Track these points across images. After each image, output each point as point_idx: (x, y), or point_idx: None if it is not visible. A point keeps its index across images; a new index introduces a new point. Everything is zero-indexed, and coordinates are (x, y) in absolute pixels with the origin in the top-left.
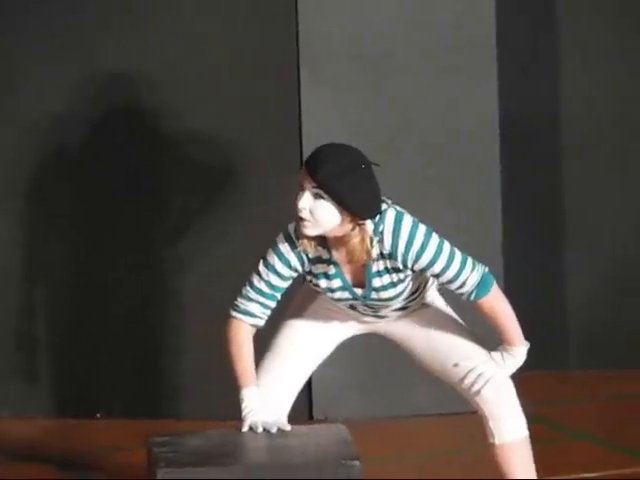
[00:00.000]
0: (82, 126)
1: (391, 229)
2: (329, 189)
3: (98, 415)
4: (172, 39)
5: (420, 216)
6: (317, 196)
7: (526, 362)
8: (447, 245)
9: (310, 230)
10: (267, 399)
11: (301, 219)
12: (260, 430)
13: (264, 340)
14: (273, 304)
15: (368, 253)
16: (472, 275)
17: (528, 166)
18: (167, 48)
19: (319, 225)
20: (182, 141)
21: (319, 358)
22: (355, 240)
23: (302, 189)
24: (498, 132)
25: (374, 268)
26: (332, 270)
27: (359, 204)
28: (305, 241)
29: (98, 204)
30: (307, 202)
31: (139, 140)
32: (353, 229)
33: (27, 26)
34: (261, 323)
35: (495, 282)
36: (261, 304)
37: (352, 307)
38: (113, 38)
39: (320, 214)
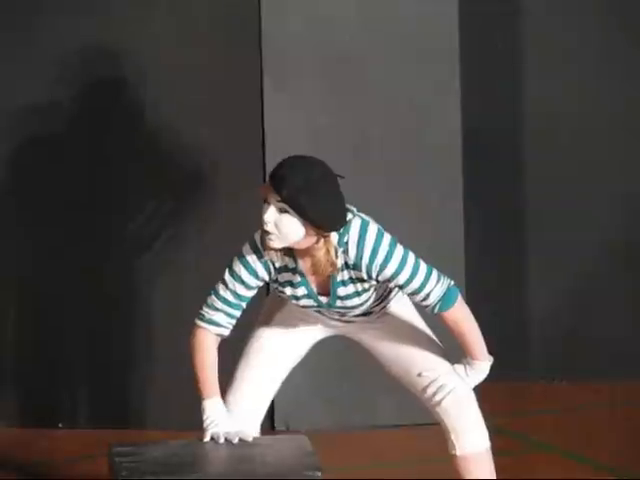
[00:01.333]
0: (44, 136)
1: (356, 240)
2: (293, 204)
3: (60, 425)
4: (133, 40)
5: (382, 226)
6: (282, 210)
7: (488, 374)
8: (412, 256)
9: (275, 243)
10: (239, 409)
11: (266, 232)
12: (222, 441)
13: (233, 348)
14: (238, 313)
15: (333, 265)
16: (437, 288)
17: (491, 178)
18: (126, 50)
19: (283, 238)
20: (141, 146)
21: (291, 364)
22: (320, 252)
23: (267, 202)
24: (461, 144)
25: (338, 278)
26: (298, 279)
27: (323, 218)
28: (271, 251)
29: (59, 209)
30: (272, 216)
31: (101, 145)
32: (317, 241)
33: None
34: (226, 333)
35: (460, 296)
36: (227, 314)
37: (319, 312)
38: (83, 36)
39: (284, 227)
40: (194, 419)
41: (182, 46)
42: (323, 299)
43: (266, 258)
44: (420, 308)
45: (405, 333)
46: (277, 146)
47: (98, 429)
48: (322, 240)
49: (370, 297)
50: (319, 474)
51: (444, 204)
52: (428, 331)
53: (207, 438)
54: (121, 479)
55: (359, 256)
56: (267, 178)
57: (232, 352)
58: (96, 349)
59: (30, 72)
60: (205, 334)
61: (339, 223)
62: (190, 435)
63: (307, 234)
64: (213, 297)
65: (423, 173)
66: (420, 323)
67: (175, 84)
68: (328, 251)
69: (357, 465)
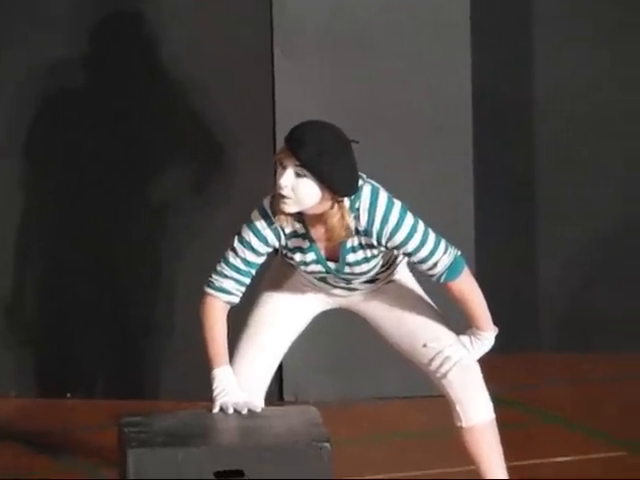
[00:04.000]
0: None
1: (367, 206)
2: (312, 167)
3: (68, 395)
4: (143, 19)
5: (391, 193)
6: (299, 174)
7: (499, 344)
8: (421, 225)
9: (291, 207)
10: (244, 379)
11: (282, 196)
12: (231, 411)
13: (237, 315)
14: (248, 280)
15: (347, 229)
16: (444, 257)
17: (500, 148)
18: (136, 27)
19: (300, 202)
20: (161, 112)
21: (293, 334)
22: (334, 218)
23: (283, 167)
24: (471, 112)
25: (348, 244)
26: (307, 244)
27: (340, 182)
28: (282, 217)
29: (82, 180)
30: (289, 180)
31: (121, 113)
32: (332, 207)
33: None
34: (236, 300)
35: (466, 266)
36: (236, 281)
37: (323, 280)
38: (105, 21)
39: (302, 192)
40: (206, 388)
41: (191, 18)
42: (332, 265)
43: (276, 224)
44: (423, 279)
45: (409, 304)
46: (288, 117)
47: (107, 399)
48: (336, 205)
49: (378, 263)
50: (328, 445)
51: (454, 175)
52: (431, 303)
53: (216, 409)
54: (130, 449)
55: (370, 222)
56: (283, 142)
57: (236, 317)
58: (111, 318)
59: (43, 32)
60: (214, 302)
61: (354, 188)
62: (199, 405)
63: (323, 198)
64: (222, 264)
65: (433, 143)
66: (422, 294)
67: (187, 53)
68: (343, 216)
69: (365, 436)
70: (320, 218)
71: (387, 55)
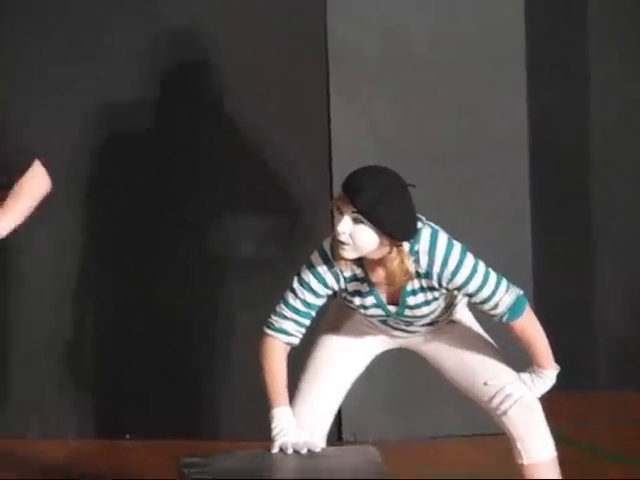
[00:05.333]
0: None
1: (426, 248)
2: (369, 215)
3: (127, 436)
4: (207, 65)
5: (451, 234)
6: (357, 220)
7: (556, 383)
8: (482, 265)
9: (349, 253)
10: (305, 420)
11: (341, 242)
12: (290, 451)
13: (297, 354)
14: (308, 322)
15: (408, 274)
16: (506, 297)
17: (557, 186)
18: (200, 72)
19: (358, 249)
20: (209, 168)
21: (354, 375)
22: (394, 263)
23: (341, 213)
24: (527, 149)
25: (409, 287)
26: (366, 288)
27: (398, 227)
28: (342, 261)
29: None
30: (347, 226)
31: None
32: (391, 251)
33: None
34: (295, 341)
35: (528, 305)
36: (296, 322)
37: (384, 322)
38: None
39: (360, 238)
40: (265, 428)
41: (247, 57)
42: (392, 308)
43: (335, 268)
44: (482, 317)
45: (468, 343)
46: (344, 153)
47: (166, 440)
48: (395, 250)
49: (438, 306)
50: None
51: (511, 212)
52: (490, 340)
53: (276, 449)
54: (184, 472)
55: (430, 264)
56: (340, 189)
57: (296, 356)
58: (169, 359)
59: (107, 69)
60: (274, 343)
61: (412, 232)
62: (260, 445)
63: (381, 244)
64: (282, 306)
65: (490, 181)
66: (482, 332)
67: (245, 92)
68: (402, 260)
69: (425, 475)
70: (380, 262)
71: (443, 93)
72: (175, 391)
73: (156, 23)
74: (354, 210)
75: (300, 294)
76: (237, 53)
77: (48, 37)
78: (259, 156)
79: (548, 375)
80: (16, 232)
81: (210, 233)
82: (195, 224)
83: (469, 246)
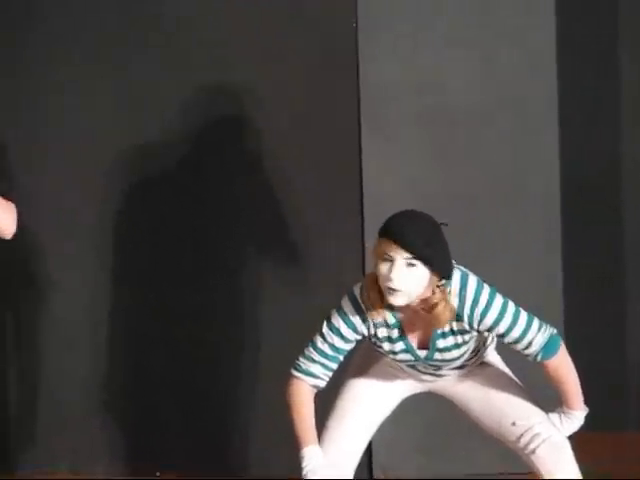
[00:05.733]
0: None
1: (457, 291)
2: (423, 256)
3: (158, 474)
4: (237, 106)
5: (481, 275)
6: (410, 265)
7: (586, 422)
8: (512, 305)
9: (401, 299)
10: (333, 458)
11: (392, 290)
12: None
13: (325, 394)
14: (335, 366)
15: (452, 311)
16: (538, 336)
17: (589, 223)
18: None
19: (410, 293)
20: (238, 207)
21: (381, 417)
22: (440, 304)
23: (390, 259)
24: (559, 191)
25: (439, 330)
26: (396, 333)
27: (445, 266)
28: (374, 312)
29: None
30: (400, 272)
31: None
32: (434, 292)
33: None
34: (322, 384)
35: (563, 344)
36: (323, 365)
37: (412, 367)
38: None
39: (414, 281)
40: (294, 466)
41: (278, 93)
42: (421, 353)
43: (366, 314)
44: (512, 358)
45: (497, 385)
46: (375, 194)
47: (199, 477)
48: (438, 290)
49: (468, 349)
50: None
51: (542, 256)
52: (518, 381)
53: None
54: None
55: (461, 306)
56: (382, 235)
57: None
58: (197, 396)
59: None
60: (301, 385)
61: (452, 269)
62: None
63: (427, 286)
64: (310, 349)
65: (521, 223)
66: (511, 375)
67: (274, 130)
68: (446, 300)
69: None
70: (419, 307)
71: (473, 135)
72: (204, 429)
73: (186, 68)
74: (407, 256)
75: (329, 339)
76: (268, 93)
77: (77, 84)
78: (289, 196)
79: (577, 416)
80: (44, 268)
81: (238, 274)
82: (223, 260)
83: (500, 286)
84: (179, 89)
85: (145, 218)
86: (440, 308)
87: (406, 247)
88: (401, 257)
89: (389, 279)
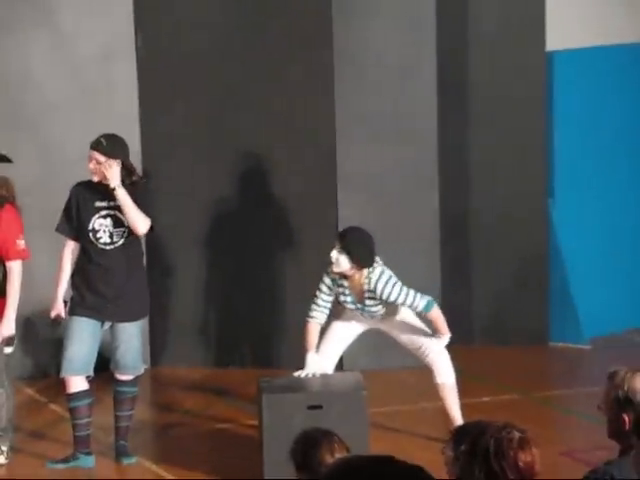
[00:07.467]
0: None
1: (375, 278)
2: (347, 250)
3: (229, 366)
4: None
5: (387, 265)
6: (340, 252)
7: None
8: (405, 288)
9: (335, 269)
10: (323, 360)
11: (331, 263)
12: (311, 375)
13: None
14: (328, 307)
15: (361, 286)
16: (417, 301)
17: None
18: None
19: (339, 267)
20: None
21: (350, 339)
22: (356, 277)
23: (335, 247)
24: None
25: (366, 294)
26: (346, 291)
27: (359, 260)
28: (336, 277)
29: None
30: (335, 255)
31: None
32: (356, 273)
33: None
34: (323, 321)
35: (435, 304)
36: (323, 308)
37: (360, 312)
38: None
39: (341, 262)
40: (300, 361)
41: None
42: (359, 305)
43: (333, 276)
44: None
45: (406, 322)
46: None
47: (252, 369)
48: (357, 273)
49: (382, 306)
50: (364, 392)
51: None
52: (419, 322)
53: (303, 374)
54: (260, 386)
55: (375, 287)
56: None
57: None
58: (262, 307)
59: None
60: (311, 323)
61: (368, 264)
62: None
63: (350, 268)
64: (315, 300)
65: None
66: (414, 319)
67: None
68: (359, 279)
69: (386, 388)
70: (351, 277)
71: None
72: (257, 336)
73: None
74: (339, 246)
75: (324, 287)
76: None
77: None
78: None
79: (445, 337)
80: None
81: (297, 248)
82: (285, 238)
83: (398, 273)
84: None
85: (236, 215)
86: (355, 282)
87: (339, 242)
88: (338, 247)
89: (330, 258)
